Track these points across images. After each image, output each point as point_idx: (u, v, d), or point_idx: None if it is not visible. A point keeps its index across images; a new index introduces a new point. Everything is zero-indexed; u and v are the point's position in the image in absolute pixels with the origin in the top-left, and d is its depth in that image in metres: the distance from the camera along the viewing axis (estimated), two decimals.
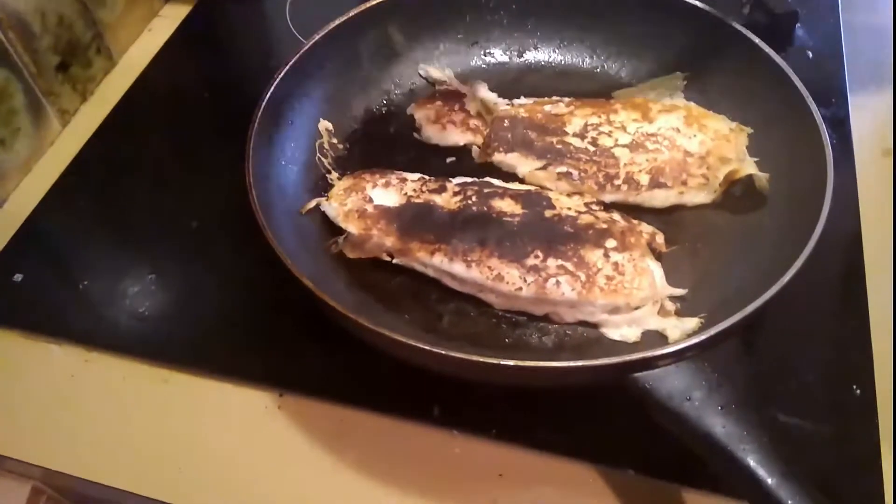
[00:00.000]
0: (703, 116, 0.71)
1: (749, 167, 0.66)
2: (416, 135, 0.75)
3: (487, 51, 0.82)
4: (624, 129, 0.71)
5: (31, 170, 0.79)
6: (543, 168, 0.70)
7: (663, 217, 0.67)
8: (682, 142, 0.69)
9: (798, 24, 0.84)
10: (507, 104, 0.76)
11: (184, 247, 0.71)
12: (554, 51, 0.81)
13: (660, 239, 0.64)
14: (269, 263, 0.55)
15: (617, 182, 0.68)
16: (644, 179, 0.67)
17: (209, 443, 0.59)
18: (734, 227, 0.65)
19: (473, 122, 0.74)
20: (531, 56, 0.82)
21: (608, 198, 0.68)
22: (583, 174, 0.69)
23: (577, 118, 0.73)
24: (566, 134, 0.72)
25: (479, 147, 0.74)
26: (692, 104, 0.73)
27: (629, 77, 0.78)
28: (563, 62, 0.81)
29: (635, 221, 0.65)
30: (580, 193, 0.68)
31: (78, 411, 0.61)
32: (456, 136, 0.74)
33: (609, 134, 0.71)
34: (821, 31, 0.85)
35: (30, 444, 0.59)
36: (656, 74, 0.77)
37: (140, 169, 0.79)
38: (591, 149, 0.70)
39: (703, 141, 0.69)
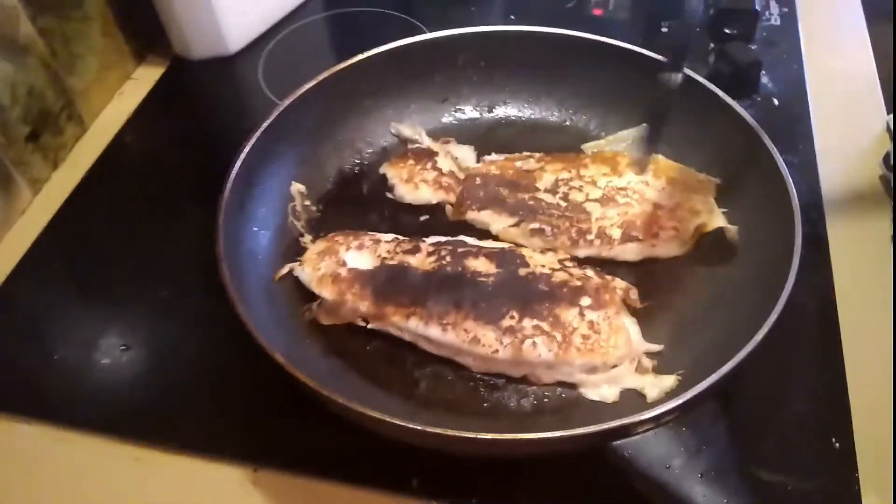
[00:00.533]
0: (671, 168, 0.72)
1: (718, 219, 0.67)
2: (388, 194, 0.76)
3: (458, 107, 0.83)
4: (594, 183, 0.72)
5: (0, 241, 0.78)
6: (516, 225, 0.70)
7: (635, 271, 0.67)
8: (652, 194, 0.70)
9: (763, 72, 0.85)
10: (479, 162, 0.77)
11: (155, 317, 0.70)
12: (523, 105, 0.83)
13: (634, 295, 0.64)
14: (241, 333, 0.54)
15: (589, 237, 0.68)
16: (616, 233, 0.68)
17: None
18: (707, 280, 0.65)
19: (446, 181, 0.75)
20: (501, 111, 0.83)
21: (581, 253, 0.68)
22: (555, 230, 0.69)
23: (547, 174, 0.74)
24: (538, 190, 0.72)
25: (451, 205, 0.74)
26: (660, 156, 0.74)
27: (597, 129, 0.80)
28: (532, 116, 0.82)
29: (609, 277, 0.65)
30: (553, 250, 0.68)
31: (49, 493, 0.59)
32: (428, 195, 0.74)
33: (580, 189, 0.72)
34: (785, 79, 0.87)
35: None
36: (624, 126, 0.78)
37: (112, 235, 0.78)
38: (563, 204, 0.71)
39: (671, 193, 0.69)
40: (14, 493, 0.60)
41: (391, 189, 0.76)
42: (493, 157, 0.77)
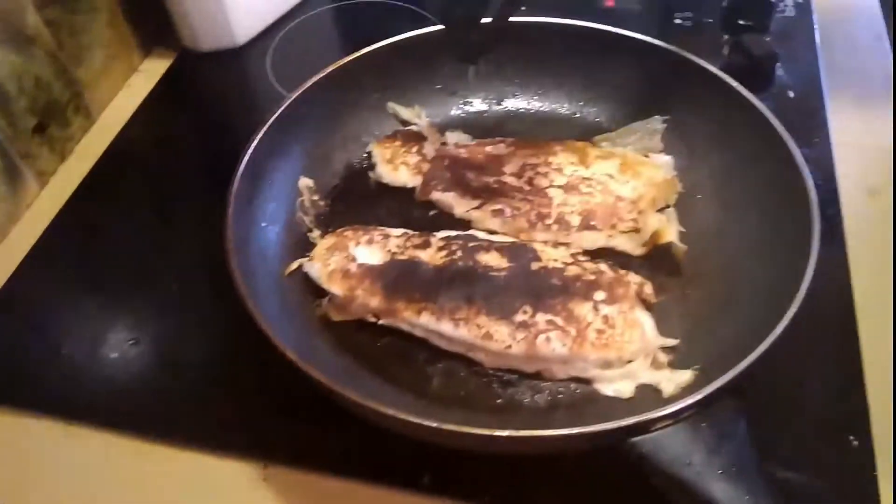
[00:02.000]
0: (638, 164, 0.72)
1: (672, 234, 0.66)
2: (370, 172, 0.76)
3: (466, 100, 0.82)
4: (561, 171, 0.72)
5: (7, 235, 0.78)
6: (479, 207, 0.71)
7: (650, 265, 0.66)
8: (615, 187, 0.70)
9: (778, 65, 0.84)
10: (449, 145, 0.77)
11: (164, 311, 0.69)
12: (532, 98, 0.82)
13: (648, 289, 0.63)
14: (251, 328, 0.54)
15: (548, 221, 0.69)
16: (575, 220, 0.68)
17: None
18: (722, 274, 0.64)
19: (426, 166, 0.74)
20: (510, 103, 0.82)
21: (539, 237, 0.68)
22: (515, 212, 0.69)
23: (516, 158, 0.74)
24: (503, 174, 0.73)
25: (419, 186, 0.74)
26: (629, 152, 0.74)
27: (608, 122, 0.78)
28: (541, 109, 0.81)
29: (623, 271, 0.64)
30: (518, 236, 0.69)
31: (56, 488, 0.59)
32: (406, 178, 0.74)
33: (545, 175, 0.72)
34: (801, 71, 0.85)
35: None
36: (635, 118, 0.77)
37: (120, 229, 0.78)
38: (526, 188, 0.71)
39: (635, 187, 0.70)
40: (21, 487, 0.59)
41: (374, 168, 0.75)
42: (464, 139, 0.78)
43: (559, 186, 0.71)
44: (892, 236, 0.70)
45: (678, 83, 0.73)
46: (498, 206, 0.70)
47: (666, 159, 0.73)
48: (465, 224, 0.71)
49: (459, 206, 0.72)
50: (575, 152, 0.73)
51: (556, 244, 0.67)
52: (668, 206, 0.69)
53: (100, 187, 0.82)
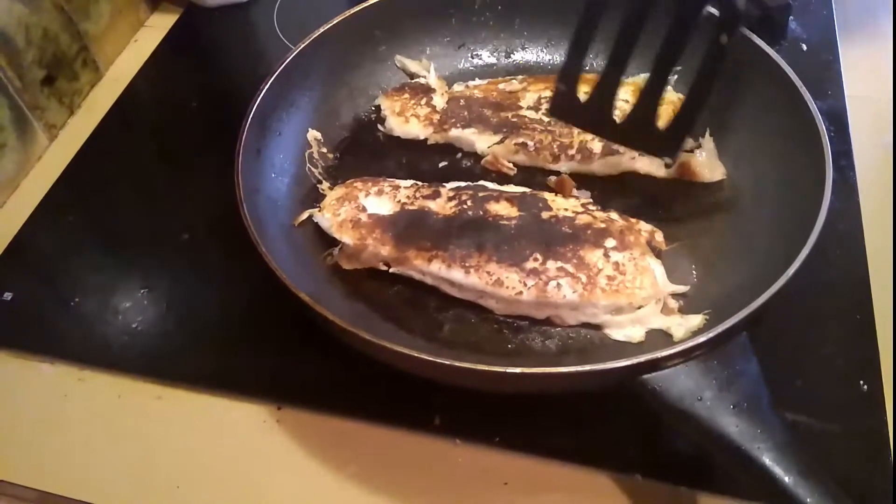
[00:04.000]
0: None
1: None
2: (379, 126, 0.75)
3: (475, 52, 0.81)
4: None
5: (18, 186, 0.78)
6: (500, 142, 0.71)
7: (661, 213, 0.66)
8: (630, 109, 0.68)
9: (791, 17, 0.83)
10: (462, 86, 0.77)
11: (175, 260, 0.70)
12: (542, 50, 0.81)
13: (659, 237, 0.63)
14: (262, 275, 0.54)
15: (571, 152, 0.69)
16: (597, 147, 0.69)
17: (207, 459, 0.57)
18: (734, 222, 0.64)
19: (436, 118, 0.74)
20: (519, 56, 0.81)
21: (563, 167, 0.69)
22: (538, 145, 0.70)
23: (530, 93, 0.74)
24: (521, 108, 0.73)
25: (434, 125, 0.73)
26: (639, 78, 0.73)
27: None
28: (551, 61, 0.81)
29: (633, 220, 0.64)
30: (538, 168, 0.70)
31: (72, 431, 0.60)
32: (417, 130, 0.74)
33: None
34: (815, 24, 0.84)
35: (24, 467, 0.58)
36: (646, 70, 0.75)
37: (130, 181, 0.78)
38: (546, 120, 0.72)
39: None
40: (36, 431, 0.60)
41: (383, 121, 0.75)
42: (477, 81, 0.77)
43: None
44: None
45: (691, 33, 0.72)
46: (520, 140, 0.70)
47: None
48: (474, 176, 0.70)
49: (481, 141, 0.72)
50: (587, 83, 0.73)
51: (577, 175, 0.69)
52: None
53: (108, 140, 0.82)
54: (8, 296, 0.68)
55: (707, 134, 0.69)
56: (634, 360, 0.47)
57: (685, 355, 0.47)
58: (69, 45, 0.83)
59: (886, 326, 0.60)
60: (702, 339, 0.48)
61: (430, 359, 0.48)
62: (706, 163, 0.67)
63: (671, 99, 0.71)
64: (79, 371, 0.63)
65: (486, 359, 0.56)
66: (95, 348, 0.64)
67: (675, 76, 0.74)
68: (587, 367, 0.47)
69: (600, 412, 0.56)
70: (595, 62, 0.78)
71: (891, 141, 0.74)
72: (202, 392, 0.60)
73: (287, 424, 0.58)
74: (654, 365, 0.47)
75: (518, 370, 0.47)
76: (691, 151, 0.68)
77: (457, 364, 0.47)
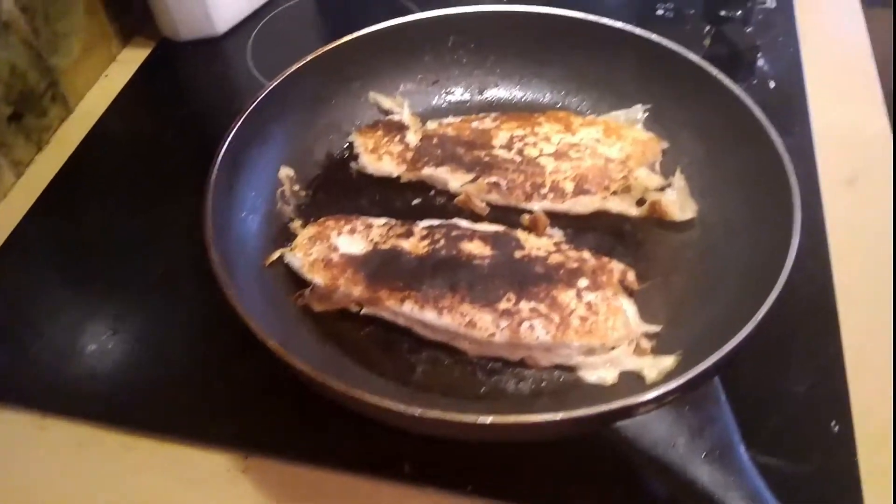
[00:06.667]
0: (620, 128, 0.73)
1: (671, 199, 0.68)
2: (352, 163, 0.75)
3: (448, 89, 0.81)
4: (548, 139, 0.73)
5: None
6: (473, 181, 0.71)
7: (633, 252, 0.66)
8: (603, 150, 0.71)
9: (759, 56, 0.85)
10: (436, 123, 0.77)
11: (142, 302, 0.68)
12: (514, 87, 0.81)
13: (631, 276, 0.63)
14: (232, 318, 0.53)
15: (543, 191, 0.70)
16: (569, 187, 0.69)
17: None
18: (705, 260, 0.64)
19: (410, 155, 0.74)
20: (492, 93, 0.82)
21: (535, 206, 0.70)
22: (511, 184, 0.70)
23: (503, 132, 0.74)
24: (493, 147, 0.73)
25: (407, 163, 0.73)
26: (610, 118, 0.75)
27: (590, 110, 0.78)
28: (524, 98, 0.81)
29: (605, 259, 0.64)
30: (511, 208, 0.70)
31: (33, 481, 0.58)
32: (390, 168, 0.74)
33: (534, 145, 0.73)
34: (782, 62, 0.86)
35: None
36: (617, 107, 0.77)
37: (98, 219, 0.77)
38: (518, 159, 0.72)
39: (622, 147, 0.71)
40: None
41: (356, 158, 0.75)
42: (450, 119, 0.78)
43: (549, 154, 0.72)
44: (873, 225, 0.71)
45: (660, 72, 0.73)
46: (493, 179, 0.70)
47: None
48: (448, 213, 0.70)
49: (454, 180, 0.72)
50: (559, 121, 0.75)
51: (550, 214, 0.69)
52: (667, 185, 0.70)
53: (77, 177, 0.80)
54: None
55: (678, 172, 0.70)
56: (608, 408, 0.46)
57: (658, 401, 0.47)
58: (37, 81, 0.82)
59: (856, 366, 0.60)
60: (673, 384, 0.47)
61: (400, 409, 0.47)
62: (677, 201, 0.68)
63: (640, 138, 0.72)
64: (40, 419, 0.61)
65: (458, 404, 0.55)
66: (57, 395, 0.62)
67: (646, 114, 0.75)
68: (559, 416, 0.46)
69: (576, 457, 0.55)
70: (567, 100, 0.80)
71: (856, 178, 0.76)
72: (166, 441, 0.59)
73: (253, 474, 0.57)
74: (628, 411, 0.47)
75: (489, 419, 0.46)
76: (662, 190, 0.69)
77: (427, 415, 0.46)
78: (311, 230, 0.67)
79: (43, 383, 0.63)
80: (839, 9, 0.96)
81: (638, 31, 0.74)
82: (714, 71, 0.70)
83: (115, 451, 0.59)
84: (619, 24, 0.75)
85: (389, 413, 0.47)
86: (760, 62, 0.85)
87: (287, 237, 0.68)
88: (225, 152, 0.64)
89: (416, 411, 0.47)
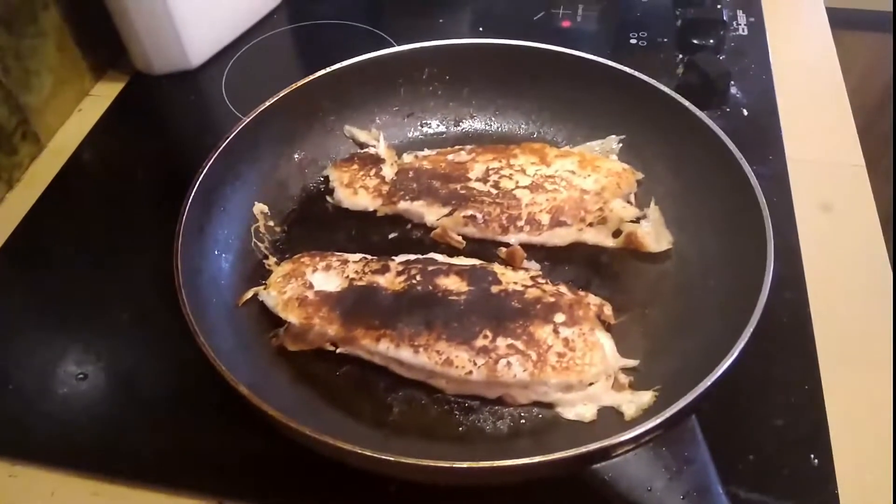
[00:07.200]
0: (595, 159, 0.73)
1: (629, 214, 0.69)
2: (328, 197, 0.75)
3: (424, 121, 0.82)
4: (524, 171, 0.73)
5: None
6: (449, 214, 0.71)
7: (609, 286, 0.66)
8: (578, 182, 0.72)
9: (732, 83, 0.85)
10: (411, 156, 0.77)
11: (114, 343, 0.67)
12: (490, 119, 0.82)
13: (608, 310, 0.63)
14: (205, 360, 0.52)
15: (520, 223, 0.70)
16: (545, 219, 0.70)
17: None
18: (681, 292, 0.65)
19: (385, 189, 0.74)
20: (468, 125, 0.82)
21: (512, 239, 0.69)
22: (487, 217, 0.70)
23: (479, 164, 0.74)
24: (469, 180, 0.73)
25: (382, 196, 0.73)
26: (585, 148, 0.75)
27: (565, 141, 0.79)
28: (500, 129, 0.81)
29: (582, 293, 0.64)
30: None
31: None
32: (366, 202, 0.74)
33: (510, 177, 0.73)
34: (755, 89, 0.86)
35: None
36: (592, 138, 0.77)
37: (69, 258, 0.75)
38: (494, 192, 0.72)
39: (597, 179, 0.71)
40: None
41: (331, 192, 0.74)
42: (426, 152, 0.77)
43: (525, 187, 0.72)
44: (849, 253, 0.71)
45: (633, 104, 0.74)
46: (469, 212, 0.70)
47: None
48: (425, 247, 0.70)
49: (430, 213, 0.71)
50: (534, 153, 0.75)
51: (526, 246, 0.69)
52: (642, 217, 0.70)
53: (49, 215, 0.79)
54: None
55: (652, 203, 0.70)
56: (583, 450, 0.46)
57: (635, 442, 0.47)
58: (8, 119, 0.81)
59: (835, 398, 0.60)
60: (651, 423, 0.47)
61: (374, 455, 0.46)
62: (652, 232, 0.68)
63: (615, 169, 0.72)
64: (10, 466, 0.59)
65: (436, 445, 0.55)
66: (27, 441, 0.60)
67: (620, 144, 0.75)
68: (535, 460, 0.45)
69: (555, 496, 0.54)
70: (543, 130, 0.80)
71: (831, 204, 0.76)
72: (139, 488, 0.57)
73: None
74: (604, 453, 0.47)
75: (465, 465, 0.46)
76: (637, 221, 0.69)
77: (402, 460, 0.46)
78: (285, 267, 0.67)
79: (13, 430, 0.62)
80: (810, 36, 0.98)
81: (610, 63, 0.75)
82: (685, 102, 0.70)
83: (87, 498, 0.57)
84: (591, 56, 0.75)
85: (362, 458, 0.47)
86: (733, 90, 0.86)
87: (262, 274, 0.67)
88: (196, 192, 0.64)
89: (391, 457, 0.46)
